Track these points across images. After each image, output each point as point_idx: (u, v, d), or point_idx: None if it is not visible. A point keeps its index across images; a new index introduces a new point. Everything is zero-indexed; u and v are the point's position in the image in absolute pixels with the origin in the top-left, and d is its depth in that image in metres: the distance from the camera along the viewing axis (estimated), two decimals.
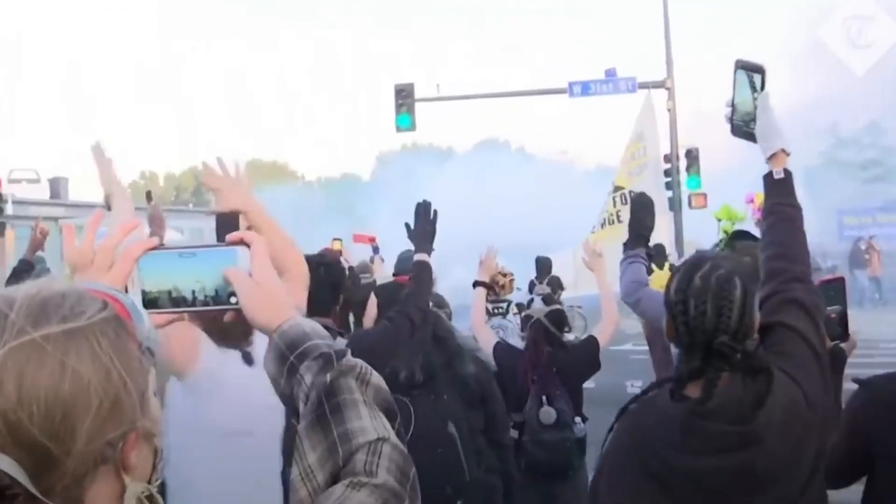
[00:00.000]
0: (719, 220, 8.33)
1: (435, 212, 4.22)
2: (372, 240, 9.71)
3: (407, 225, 4.23)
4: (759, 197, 4.69)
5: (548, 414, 4.69)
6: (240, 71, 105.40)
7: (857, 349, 2.86)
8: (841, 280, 2.91)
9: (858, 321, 2.86)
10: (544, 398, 4.74)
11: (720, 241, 4.34)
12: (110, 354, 1.03)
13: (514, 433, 4.72)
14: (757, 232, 3.79)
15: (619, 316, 5.16)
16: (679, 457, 2.18)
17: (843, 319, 2.81)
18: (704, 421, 2.16)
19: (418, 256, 4.13)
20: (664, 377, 2.33)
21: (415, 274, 4.10)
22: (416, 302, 3.97)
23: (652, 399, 2.33)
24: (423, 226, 4.19)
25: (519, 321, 5.08)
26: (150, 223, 4.09)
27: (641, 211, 4.22)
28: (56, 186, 34.79)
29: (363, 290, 4.73)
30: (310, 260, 3.89)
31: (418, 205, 4.24)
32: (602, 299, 5.20)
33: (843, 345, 2.82)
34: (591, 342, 5.03)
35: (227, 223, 4.01)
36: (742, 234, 4.18)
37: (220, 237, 3.65)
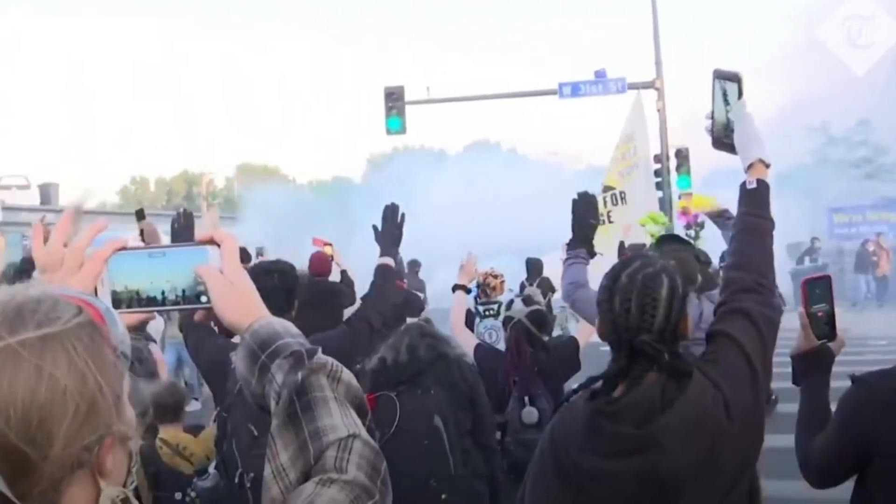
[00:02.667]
0: (643, 226, 8.39)
1: (402, 215, 4.21)
2: (327, 245, 9.91)
3: (374, 227, 4.22)
4: (682, 203, 4.90)
5: (530, 414, 4.70)
6: (231, 74, 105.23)
7: (845, 348, 2.80)
8: (827, 278, 2.82)
9: (849, 319, 2.83)
10: (526, 399, 4.75)
11: (650, 246, 4.40)
12: (86, 359, 1.04)
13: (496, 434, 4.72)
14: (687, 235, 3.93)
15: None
16: (585, 457, 2.17)
17: (830, 318, 2.73)
18: (606, 421, 2.15)
19: (382, 260, 4.13)
20: (595, 376, 2.29)
21: (376, 279, 4.09)
22: (377, 306, 3.97)
23: (577, 399, 2.31)
24: (390, 229, 4.18)
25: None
26: (147, 240, 4.06)
27: (584, 211, 4.24)
28: (46, 192, 34.71)
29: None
30: (265, 267, 3.91)
31: (386, 208, 4.23)
32: None
33: (830, 344, 2.75)
34: (571, 343, 5.05)
35: (183, 230, 4.01)
36: (670, 238, 4.30)
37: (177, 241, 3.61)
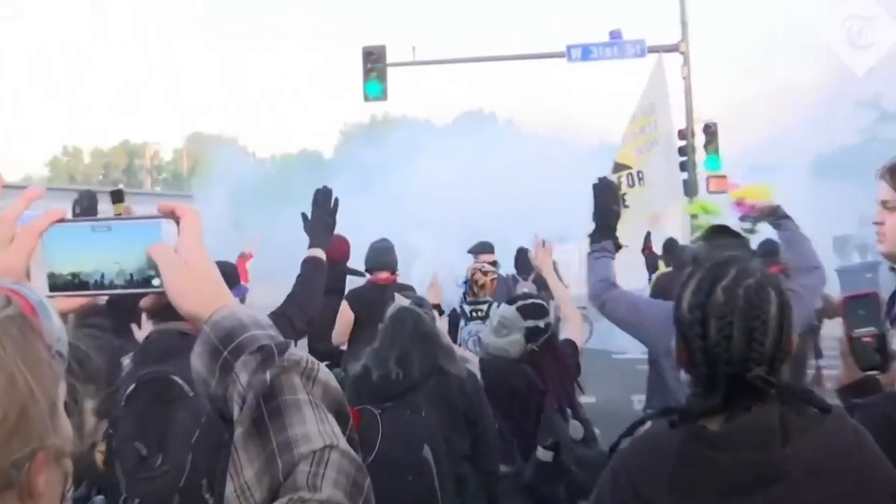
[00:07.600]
0: (694, 217, 8.44)
1: (336, 200, 4.21)
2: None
3: (303, 215, 4.21)
4: (735, 194, 4.88)
5: (576, 428, 4.72)
6: (178, 31, 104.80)
7: None
8: (873, 295, 2.65)
9: None
10: (569, 412, 4.78)
11: (697, 237, 4.46)
12: (15, 359, 1.01)
13: (548, 455, 4.58)
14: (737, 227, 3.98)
15: (577, 311, 5.51)
16: (669, 499, 1.93)
17: (881, 343, 2.55)
18: (710, 450, 1.92)
19: (311, 252, 4.11)
20: (667, 408, 2.08)
21: (303, 272, 4.08)
22: (301, 303, 3.97)
23: (652, 428, 2.11)
24: (321, 216, 4.17)
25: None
26: None
27: (605, 197, 4.31)
28: None
29: None
30: None
31: (317, 191, 4.22)
32: (556, 300, 5.56)
33: (879, 376, 2.58)
34: (571, 346, 5.12)
35: (85, 212, 3.95)
36: (721, 230, 4.31)
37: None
